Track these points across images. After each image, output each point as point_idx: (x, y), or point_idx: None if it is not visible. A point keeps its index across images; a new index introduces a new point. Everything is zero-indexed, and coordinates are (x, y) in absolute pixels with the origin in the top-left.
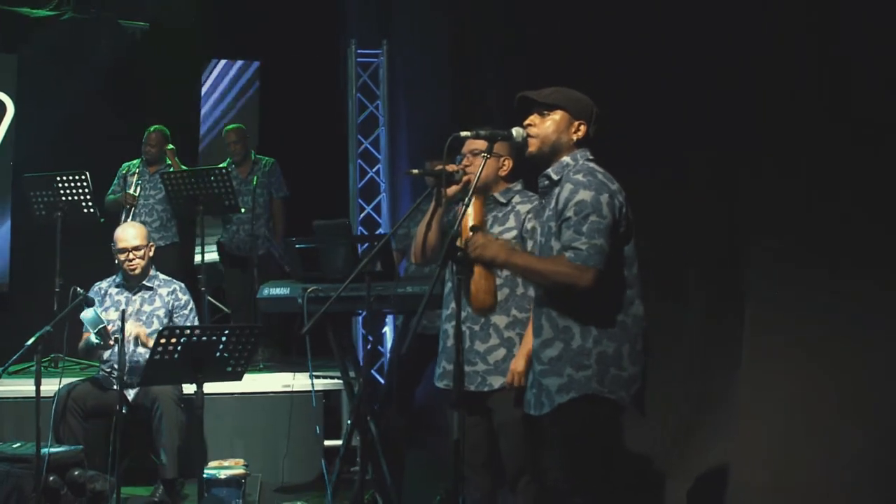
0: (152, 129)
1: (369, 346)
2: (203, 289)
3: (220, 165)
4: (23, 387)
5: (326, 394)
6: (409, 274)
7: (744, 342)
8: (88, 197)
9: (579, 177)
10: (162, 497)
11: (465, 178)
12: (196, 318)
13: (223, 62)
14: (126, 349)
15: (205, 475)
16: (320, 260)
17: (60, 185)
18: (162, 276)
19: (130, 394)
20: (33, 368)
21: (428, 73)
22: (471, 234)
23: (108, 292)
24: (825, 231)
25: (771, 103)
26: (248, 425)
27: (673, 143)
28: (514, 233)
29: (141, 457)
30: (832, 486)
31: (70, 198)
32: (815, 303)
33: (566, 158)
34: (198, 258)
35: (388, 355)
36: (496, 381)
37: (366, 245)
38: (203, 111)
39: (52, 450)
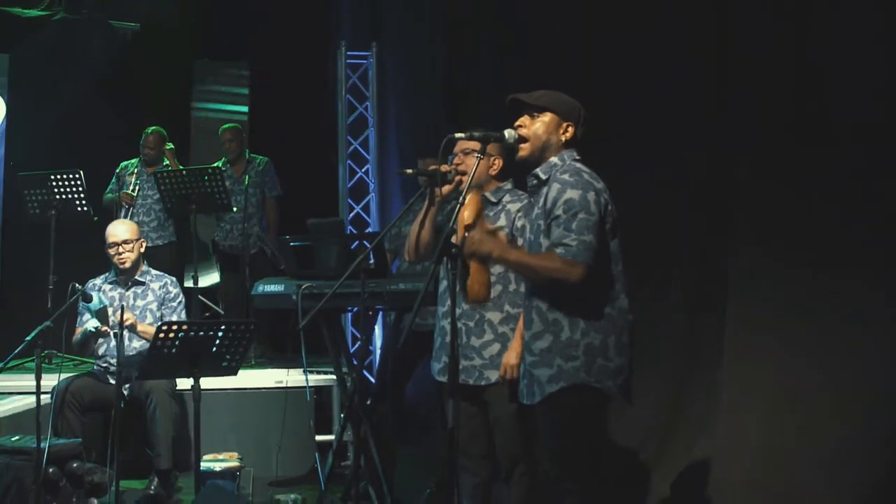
0: (150, 130)
1: (359, 344)
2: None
3: (215, 164)
4: (20, 382)
5: (318, 389)
6: (402, 271)
7: (728, 339)
8: (82, 195)
9: (566, 176)
10: (157, 489)
11: (457, 178)
12: (184, 313)
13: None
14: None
15: (200, 468)
16: (314, 257)
17: (54, 183)
18: (154, 271)
19: (125, 388)
20: (27, 364)
21: (417, 75)
22: (466, 231)
23: (102, 289)
24: (808, 230)
25: (771, 103)
26: (241, 420)
27: (673, 144)
28: (504, 231)
29: (136, 450)
30: (814, 481)
31: (64, 196)
32: (798, 301)
33: (554, 159)
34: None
35: (379, 352)
36: (493, 375)
37: (356, 243)
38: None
39: (52, 442)
